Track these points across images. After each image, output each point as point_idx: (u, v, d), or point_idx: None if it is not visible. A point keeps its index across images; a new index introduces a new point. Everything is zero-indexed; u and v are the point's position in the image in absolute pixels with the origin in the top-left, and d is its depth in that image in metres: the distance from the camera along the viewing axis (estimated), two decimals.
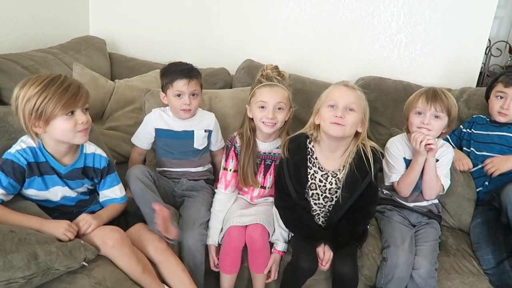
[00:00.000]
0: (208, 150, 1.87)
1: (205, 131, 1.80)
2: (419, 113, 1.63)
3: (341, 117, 1.42)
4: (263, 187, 1.71)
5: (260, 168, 1.68)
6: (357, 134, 1.51)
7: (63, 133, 1.29)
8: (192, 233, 1.56)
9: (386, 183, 1.75)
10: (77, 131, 1.29)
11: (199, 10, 2.55)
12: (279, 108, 1.59)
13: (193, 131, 1.77)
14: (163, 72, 1.72)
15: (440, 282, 1.56)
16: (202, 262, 1.58)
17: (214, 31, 2.57)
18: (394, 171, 1.70)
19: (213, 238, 1.61)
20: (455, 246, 1.71)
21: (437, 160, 1.66)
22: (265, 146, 1.68)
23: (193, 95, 1.70)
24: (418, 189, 1.70)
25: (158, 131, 1.78)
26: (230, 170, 1.68)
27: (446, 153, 1.70)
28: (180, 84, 1.66)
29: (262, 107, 1.58)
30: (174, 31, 2.61)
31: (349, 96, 1.45)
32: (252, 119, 1.64)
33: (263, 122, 1.58)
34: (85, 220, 1.31)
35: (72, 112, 1.28)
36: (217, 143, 1.87)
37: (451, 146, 1.75)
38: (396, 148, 1.71)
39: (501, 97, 1.89)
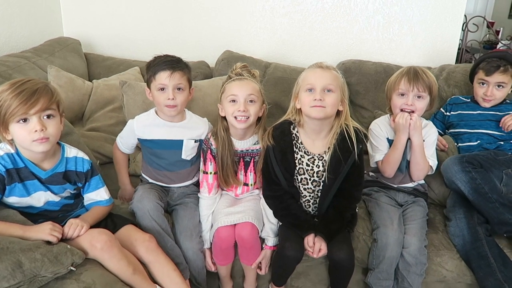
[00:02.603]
0: (198, 160, 1.72)
1: (196, 141, 1.68)
2: (402, 94, 1.65)
3: (320, 100, 1.42)
4: (246, 184, 1.68)
5: (240, 165, 1.64)
6: (339, 113, 1.51)
7: (20, 140, 1.25)
8: (191, 245, 1.57)
9: (371, 164, 1.76)
10: (32, 140, 1.23)
11: (174, 4, 2.51)
12: (251, 101, 1.53)
13: (182, 140, 1.65)
14: (148, 65, 1.61)
15: (430, 259, 1.58)
16: (203, 267, 1.62)
17: (191, 24, 2.54)
18: (378, 151, 1.72)
19: (206, 242, 1.62)
20: (443, 223, 1.73)
21: None
22: (241, 144, 1.62)
23: (178, 89, 1.57)
24: (401, 171, 1.71)
25: (141, 140, 1.67)
26: (211, 173, 1.63)
27: (430, 134, 1.71)
28: (163, 77, 1.54)
29: (233, 100, 1.52)
30: (150, 27, 2.57)
31: (325, 78, 1.45)
32: (225, 117, 1.58)
33: (235, 117, 1.52)
34: (76, 224, 1.29)
35: (25, 120, 1.22)
36: None
37: (434, 127, 1.76)
38: (379, 129, 1.73)
39: (483, 84, 1.91)
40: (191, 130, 1.67)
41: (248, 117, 1.52)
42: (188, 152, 1.67)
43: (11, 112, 1.19)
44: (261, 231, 1.60)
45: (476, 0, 4.88)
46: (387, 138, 1.72)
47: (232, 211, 1.60)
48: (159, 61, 1.57)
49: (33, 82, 1.25)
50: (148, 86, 1.62)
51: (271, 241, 1.60)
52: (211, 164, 1.63)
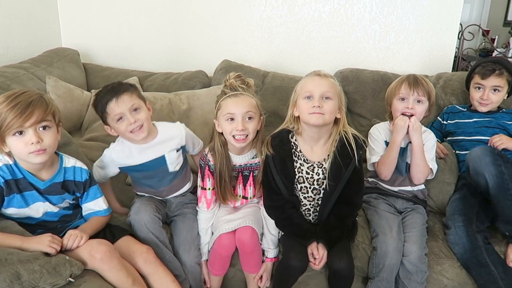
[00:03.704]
0: (187, 164, 1.72)
1: (177, 150, 1.63)
2: (403, 98, 1.72)
3: (319, 107, 1.43)
4: (245, 197, 1.66)
5: (239, 179, 1.62)
6: (337, 121, 1.52)
7: (17, 152, 1.25)
8: (190, 258, 1.56)
9: (368, 167, 1.78)
10: (29, 152, 1.22)
11: (172, 14, 2.52)
12: (249, 118, 1.48)
13: (163, 156, 1.60)
14: (94, 104, 1.51)
15: (431, 267, 1.57)
16: (200, 280, 1.61)
17: (189, 34, 2.55)
18: (374, 153, 1.75)
19: (204, 255, 1.61)
20: (443, 231, 1.73)
21: None
22: (239, 159, 1.59)
23: (135, 110, 1.48)
24: (401, 173, 1.73)
25: (124, 169, 1.61)
26: (209, 189, 1.60)
27: (429, 139, 1.74)
28: (113, 106, 1.45)
29: (231, 119, 1.48)
30: (148, 37, 2.59)
31: (323, 85, 1.46)
32: (222, 133, 1.53)
33: (233, 137, 1.48)
34: (75, 235, 1.28)
35: (21, 132, 1.22)
36: (194, 148, 1.72)
37: (432, 133, 1.79)
38: (378, 132, 1.78)
39: (479, 88, 1.92)
40: (168, 142, 1.61)
41: (247, 135, 1.49)
42: (174, 163, 1.64)
43: (7, 126, 1.19)
44: (261, 240, 1.59)
45: (471, 8, 4.92)
46: (385, 141, 1.76)
47: (233, 217, 1.60)
48: (101, 95, 1.49)
49: (28, 94, 1.24)
50: (106, 123, 1.53)
51: (271, 253, 1.59)
52: (209, 180, 1.60)
